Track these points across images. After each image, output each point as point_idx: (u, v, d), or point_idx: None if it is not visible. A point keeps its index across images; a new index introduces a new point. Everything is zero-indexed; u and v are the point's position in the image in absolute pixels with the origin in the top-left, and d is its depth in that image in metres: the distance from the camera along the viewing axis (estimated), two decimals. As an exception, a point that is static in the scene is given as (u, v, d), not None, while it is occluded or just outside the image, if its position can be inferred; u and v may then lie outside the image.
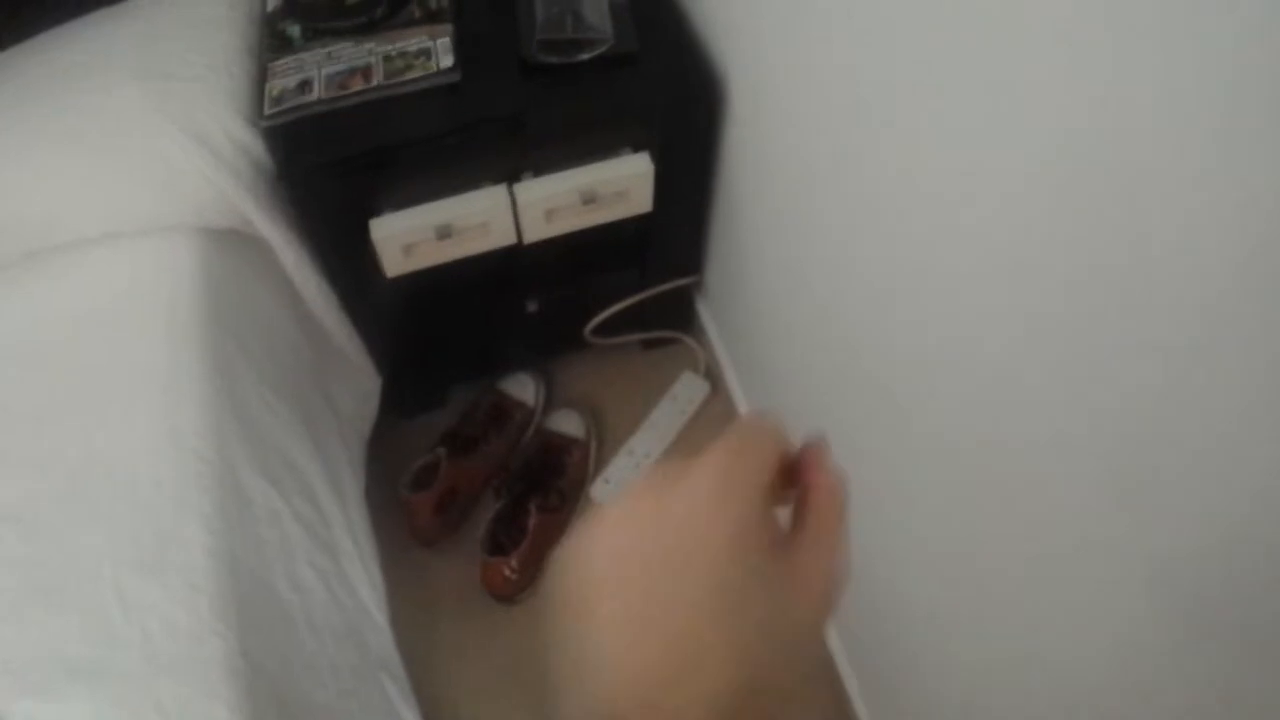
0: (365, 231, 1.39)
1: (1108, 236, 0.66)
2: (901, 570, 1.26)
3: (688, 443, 1.97)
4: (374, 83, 1.34)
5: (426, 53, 1.36)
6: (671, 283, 1.82)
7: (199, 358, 1.29)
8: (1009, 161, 0.75)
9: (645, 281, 1.80)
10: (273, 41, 1.43)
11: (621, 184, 1.46)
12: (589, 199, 1.44)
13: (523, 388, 1.98)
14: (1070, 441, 0.79)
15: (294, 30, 1.43)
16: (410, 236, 1.40)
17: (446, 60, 1.36)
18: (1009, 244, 0.79)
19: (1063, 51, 0.65)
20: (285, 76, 1.37)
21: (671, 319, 2.00)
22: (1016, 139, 0.73)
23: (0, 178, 1.35)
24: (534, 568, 1.78)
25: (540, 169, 1.43)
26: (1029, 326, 0.80)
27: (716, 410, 2.00)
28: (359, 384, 1.72)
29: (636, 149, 1.46)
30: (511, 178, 1.42)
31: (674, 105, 1.44)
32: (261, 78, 1.39)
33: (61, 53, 1.45)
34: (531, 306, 1.75)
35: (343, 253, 1.46)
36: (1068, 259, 0.71)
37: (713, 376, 2.03)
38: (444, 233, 1.40)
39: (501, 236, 1.46)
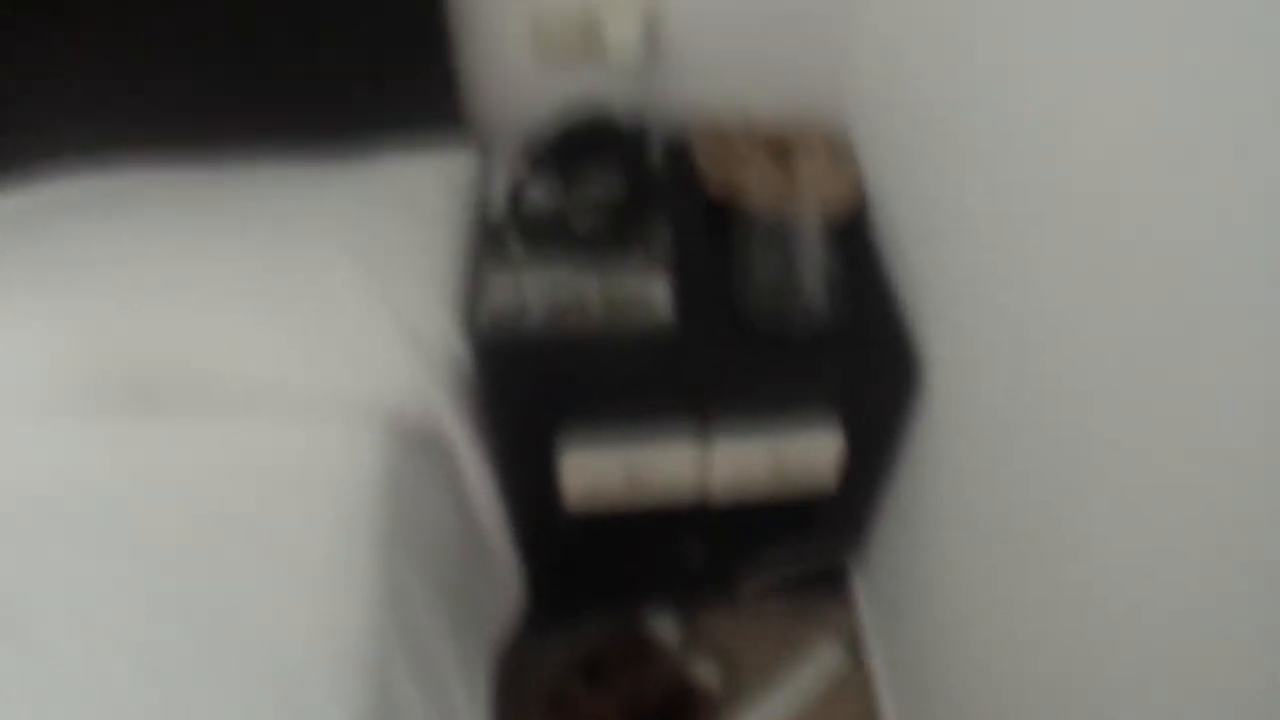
0: (551, 455, 1.41)
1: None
2: None
3: (819, 711, 1.90)
4: (591, 320, 1.37)
5: (646, 298, 1.39)
6: (833, 552, 1.80)
7: (370, 556, 1.28)
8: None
9: (807, 546, 1.77)
10: (494, 251, 1.47)
11: (810, 459, 1.46)
12: (777, 470, 1.44)
13: (664, 627, 1.95)
14: None
15: (516, 244, 1.47)
16: (600, 476, 1.42)
17: (664, 309, 1.38)
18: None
19: None
20: (503, 292, 1.41)
21: (823, 583, 1.97)
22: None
23: (199, 323, 1.36)
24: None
25: (732, 425, 1.44)
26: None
27: (854, 681, 1.94)
28: (506, 595, 1.70)
29: (826, 417, 1.46)
30: (703, 431, 1.43)
31: (874, 388, 1.44)
32: (479, 287, 1.42)
33: (266, 204, 1.49)
34: (691, 553, 1.73)
35: (526, 472, 1.48)
36: None
37: (854, 648, 1.97)
38: (631, 478, 1.41)
39: (686, 491, 1.48)
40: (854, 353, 1.40)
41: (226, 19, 1.45)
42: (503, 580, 1.69)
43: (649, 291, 1.40)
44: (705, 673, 1.90)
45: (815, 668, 1.94)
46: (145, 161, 1.57)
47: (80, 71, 1.48)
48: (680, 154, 1.66)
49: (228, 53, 1.49)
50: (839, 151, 1.62)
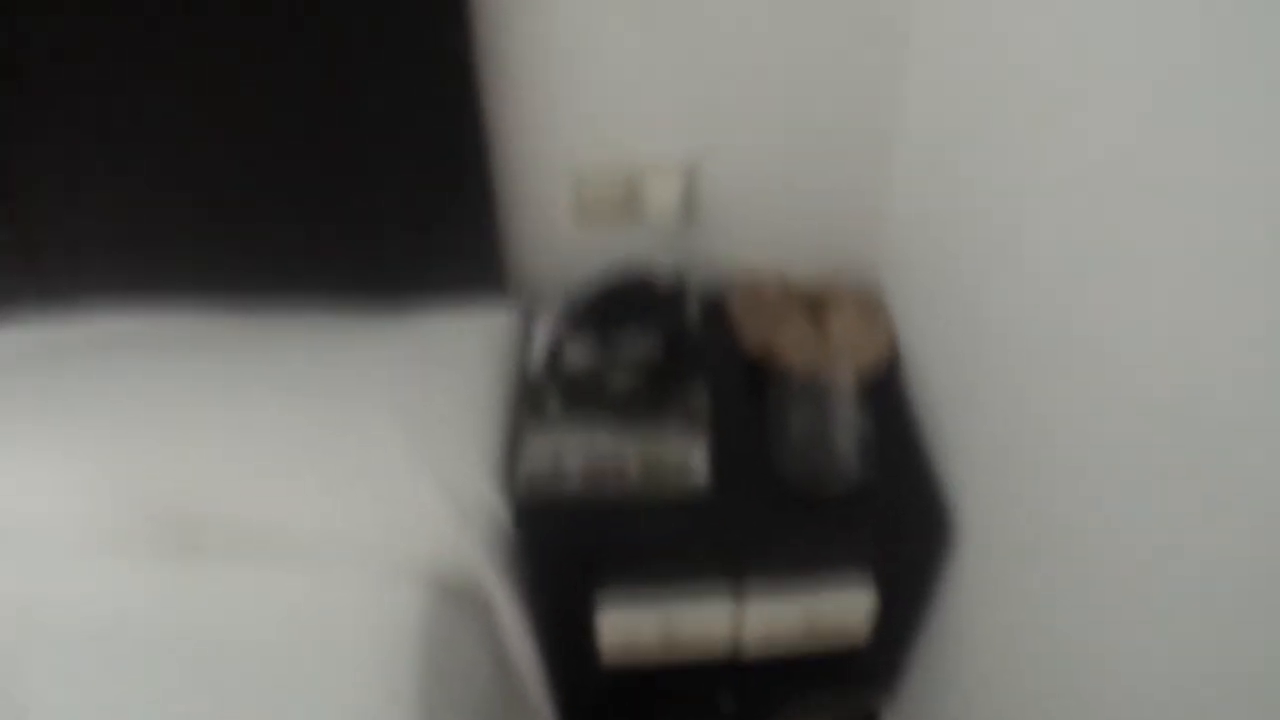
0: (588, 612, 1.43)
1: None
2: None
3: None
4: (627, 483, 1.39)
5: (683, 463, 1.41)
6: (864, 700, 1.79)
7: (408, 707, 1.28)
8: None
9: (838, 693, 1.78)
10: (532, 410, 1.50)
11: (842, 615, 1.47)
12: (809, 626, 1.45)
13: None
14: None
15: (555, 403, 1.50)
16: (635, 633, 1.44)
17: (700, 473, 1.40)
18: None
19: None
20: (540, 452, 1.43)
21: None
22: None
23: (239, 470, 1.38)
24: None
25: (765, 583, 1.46)
26: None
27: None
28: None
29: (859, 574, 1.48)
30: (737, 589, 1.45)
31: (906, 545, 1.45)
32: (517, 446, 1.45)
33: (307, 356, 1.51)
34: (723, 701, 1.73)
35: (562, 627, 1.50)
36: None
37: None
38: (666, 634, 1.43)
39: (719, 647, 1.49)
40: (886, 511, 1.42)
41: (272, 169, 1.50)
42: (536, 726, 1.69)
43: (686, 455, 1.42)
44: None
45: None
46: (187, 304, 1.62)
47: (129, 211, 1.54)
48: (717, 311, 1.69)
49: (272, 207, 1.55)
50: (872, 308, 1.66)
